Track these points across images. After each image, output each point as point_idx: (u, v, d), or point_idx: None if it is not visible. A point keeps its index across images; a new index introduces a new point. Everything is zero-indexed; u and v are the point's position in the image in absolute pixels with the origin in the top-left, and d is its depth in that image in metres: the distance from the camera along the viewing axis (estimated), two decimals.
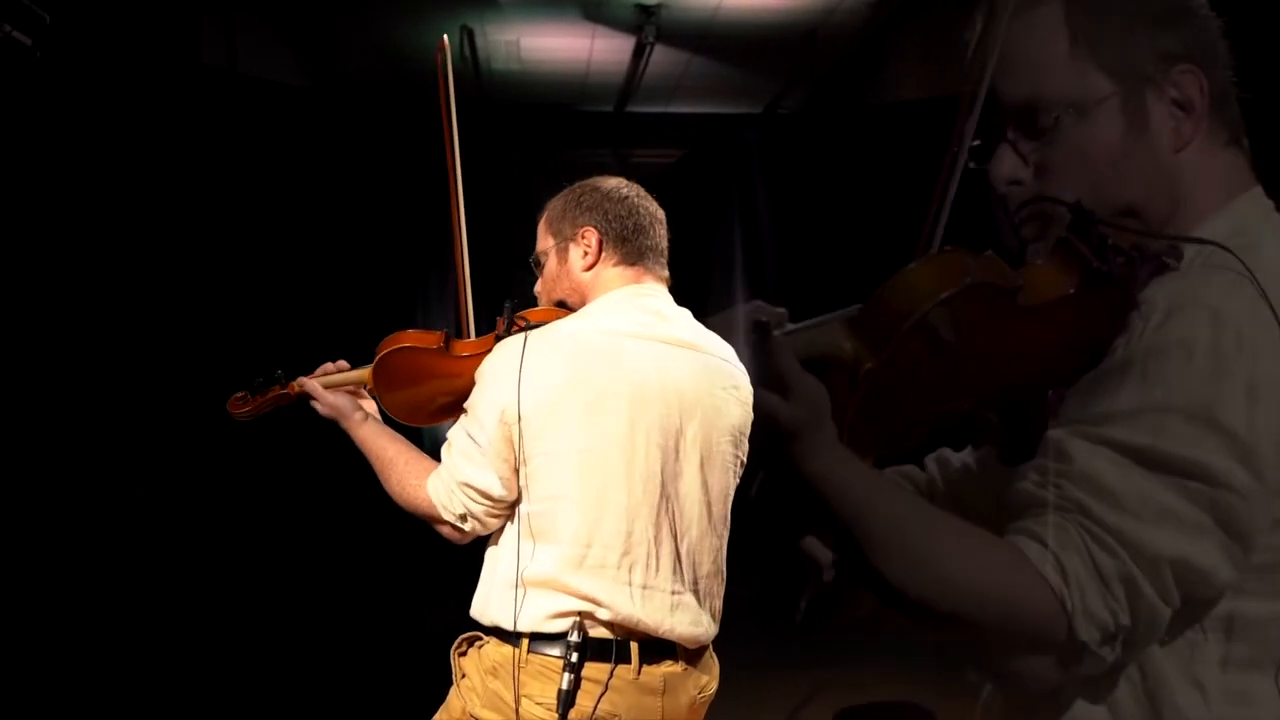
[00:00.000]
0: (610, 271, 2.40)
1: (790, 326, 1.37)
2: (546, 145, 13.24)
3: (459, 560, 2.38)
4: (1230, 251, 1.47)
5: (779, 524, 1.74)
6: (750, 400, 2.39)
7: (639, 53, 8.82)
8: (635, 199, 2.45)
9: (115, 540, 3.98)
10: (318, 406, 2.54)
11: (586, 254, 2.40)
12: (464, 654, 2.34)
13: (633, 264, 2.40)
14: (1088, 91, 1.47)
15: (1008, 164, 1.56)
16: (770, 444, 1.28)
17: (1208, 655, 1.52)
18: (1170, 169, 1.54)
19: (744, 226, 8.24)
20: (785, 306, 1.61)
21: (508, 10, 8.23)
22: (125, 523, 3.97)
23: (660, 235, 2.45)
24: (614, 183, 2.48)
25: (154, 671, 3.74)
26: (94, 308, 4.07)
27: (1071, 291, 1.45)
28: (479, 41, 8.81)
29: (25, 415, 3.32)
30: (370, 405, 2.58)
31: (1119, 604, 1.37)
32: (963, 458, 1.82)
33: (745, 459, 2.39)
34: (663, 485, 2.24)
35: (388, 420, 2.57)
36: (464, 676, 2.32)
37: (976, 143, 1.57)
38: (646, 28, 8.25)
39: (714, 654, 2.42)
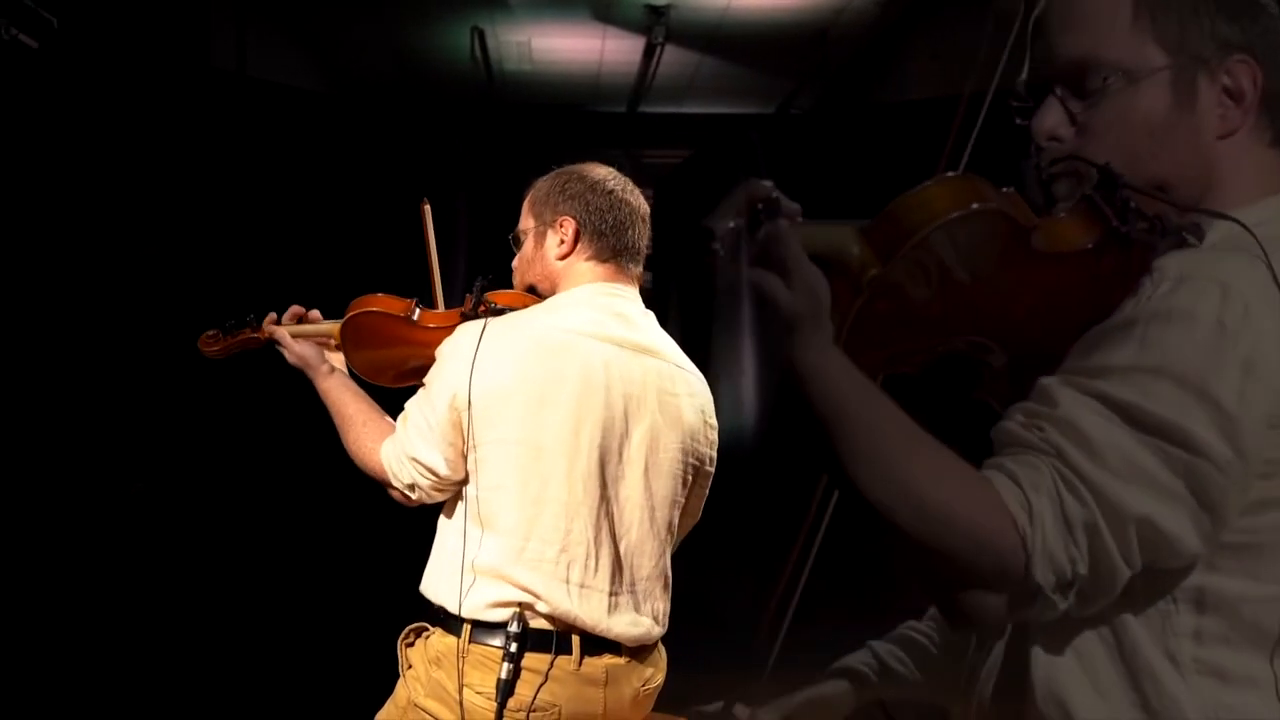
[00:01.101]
0: (583, 265, 2.39)
1: (800, 221, 1.36)
2: (560, 146, 13.28)
3: (411, 556, 2.37)
4: (1251, 233, 1.47)
5: None
6: (707, 407, 2.45)
7: (649, 53, 8.81)
8: (620, 193, 2.44)
9: (110, 537, 3.99)
10: (285, 353, 2.55)
11: (562, 243, 2.40)
12: (411, 645, 2.36)
13: (606, 261, 2.40)
14: (1142, 61, 1.47)
15: (1051, 118, 1.57)
16: (765, 330, 1.27)
17: (1179, 627, 1.52)
18: (1209, 154, 1.55)
19: (748, 224, 8.21)
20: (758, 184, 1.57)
21: (518, 11, 8.23)
22: (120, 519, 3.98)
23: (640, 233, 2.45)
24: (602, 173, 2.48)
25: (149, 666, 3.75)
26: (97, 308, 4.08)
27: (1089, 246, 1.45)
28: (490, 42, 8.82)
29: (21, 412, 3.32)
30: (338, 359, 2.59)
31: (1079, 552, 1.38)
32: None
33: (703, 464, 2.43)
34: (604, 486, 2.26)
35: (354, 377, 2.58)
36: (410, 667, 2.34)
37: (1018, 104, 1.57)
38: (656, 28, 8.24)
39: (661, 647, 2.45)
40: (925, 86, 6.85)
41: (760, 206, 1.16)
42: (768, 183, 1.25)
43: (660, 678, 2.43)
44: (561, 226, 2.39)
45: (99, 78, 4.35)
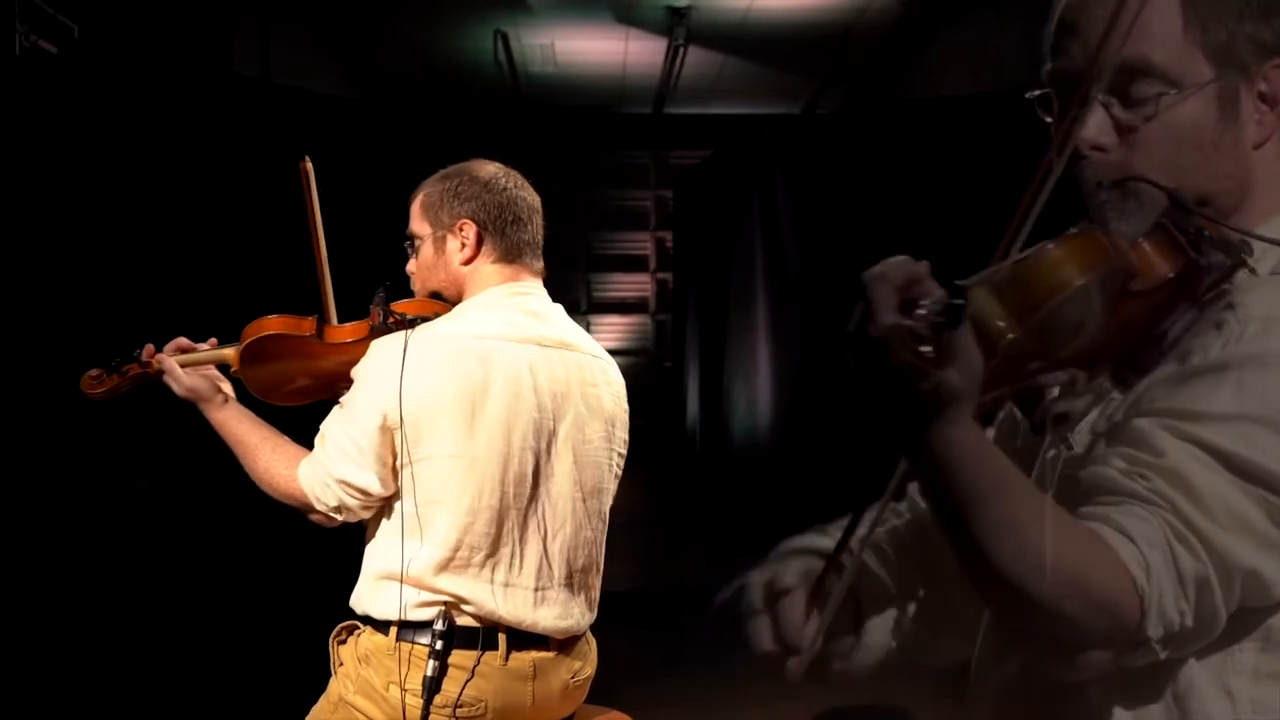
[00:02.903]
0: (488, 268, 2.38)
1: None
2: (587, 148, 13.30)
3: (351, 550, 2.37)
4: None
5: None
6: (622, 393, 2.49)
7: (672, 54, 8.81)
8: (514, 189, 2.43)
9: (115, 532, 4.01)
10: (173, 386, 2.49)
11: (465, 247, 2.38)
12: (343, 642, 2.37)
13: (511, 260, 2.39)
14: (1191, 73, 1.44)
15: (1096, 124, 1.52)
16: (920, 410, 1.21)
17: (1241, 665, 1.49)
18: (1246, 163, 1.51)
19: (765, 225, 8.22)
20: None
21: (540, 14, 8.24)
22: (126, 515, 3.99)
23: (537, 226, 2.44)
24: (492, 170, 2.45)
25: (150, 661, 3.77)
26: (106, 308, 4.10)
27: (1170, 277, 1.44)
28: (513, 45, 8.84)
29: (27, 407, 3.34)
30: (229, 387, 2.55)
31: (1189, 606, 1.35)
32: None
33: (623, 450, 2.47)
34: (534, 486, 2.28)
35: (246, 398, 2.54)
36: (341, 664, 2.36)
37: (1034, 94, 1.54)
38: (677, 29, 8.23)
39: (590, 637, 2.48)
40: (947, 85, 6.82)
41: (960, 301, 1.11)
42: (918, 265, 1.17)
43: (590, 670, 2.45)
44: (461, 230, 2.37)
45: (120, 84, 4.38)
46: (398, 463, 2.23)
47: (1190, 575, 1.37)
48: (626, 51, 9.10)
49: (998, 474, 1.37)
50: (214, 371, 2.53)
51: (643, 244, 16.36)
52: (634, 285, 16.54)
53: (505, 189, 2.41)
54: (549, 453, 2.30)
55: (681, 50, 8.63)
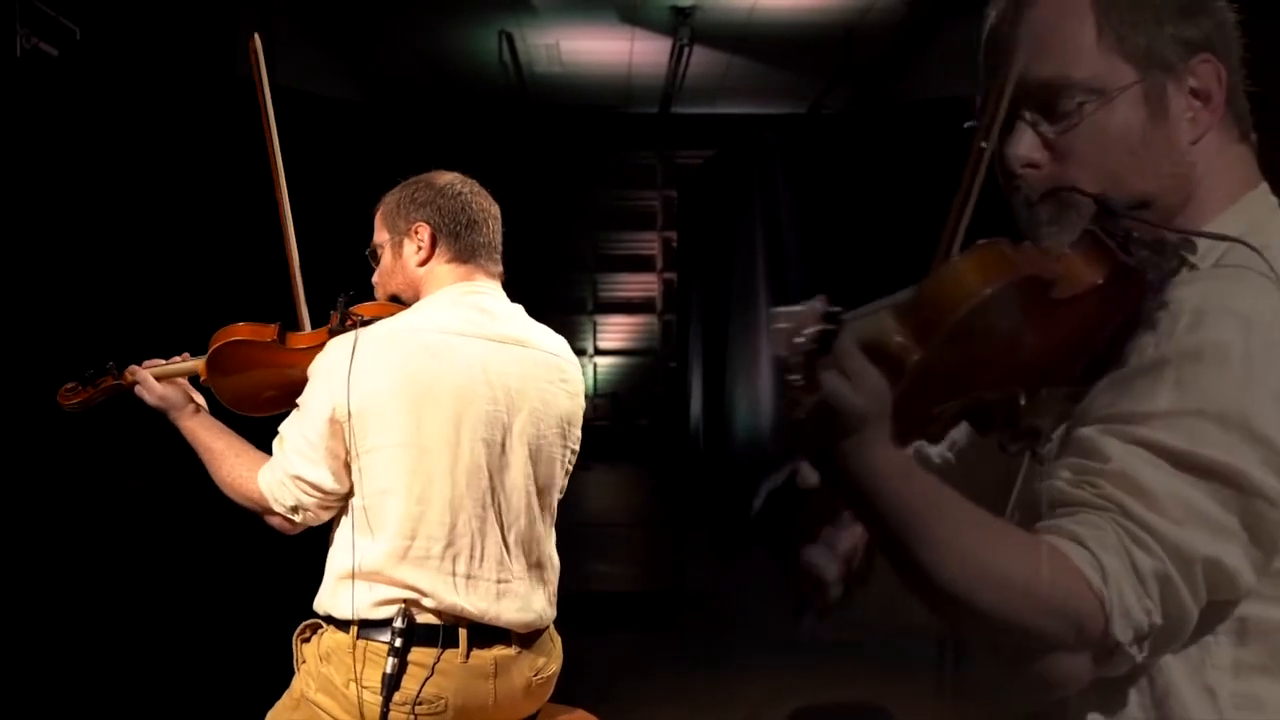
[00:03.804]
0: (443, 268, 2.42)
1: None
2: (593, 148, 13.33)
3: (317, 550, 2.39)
4: (1259, 253, 1.45)
5: (782, 539, 1.71)
6: (580, 391, 2.51)
7: (677, 54, 8.83)
8: (469, 195, 2.46)
9: (109, 534, 4.02)
10: (145, 396, 2.53)
11: (420, 249, 2.41)
12: (306, 640, 2.39)
13: (465, 261, 2.42)
14: (1112, 78, 1.43)
15: (1025, 144, 1.52)
16: (826, 436, 1.24)
17: (1219, 660, 1.49)
18: (1185, 161, 1.51)
19: (766, 225, 8.24)
20: (807, 303, 1.58)
21: (544, 14, 8.25)
22: (121, 517, 4.00)
23: (493, 231, 2.48)
24: (448, 178, 2.48)
25: (145, 662, 3.77)
26: (104, 310, 4.11)
27: (1100, 283, 1.43)
28: (518, 46, 8.85)
29: (21, 410, 3.35)
30: (201, 399, 2.58)
31: (1153, 603, 1.35)
32: (940, 451, 1.80)
33: (576, 448, 2.50)
34: (489, 478, 2.31)
35: (219, 410, 2.57)
36: (304, 662, 2.38)
37: (971, 124, 1.54)
38: (682, 29, 8.24)
39: (554, 635, 2.46)
40: (954, 84, 6.82)
41: (828, 326, 1.14)
42: (820, 297, 1.21)
43: (554, 667, 2.45)
44: (417, 233, 2.40)
45: (122, 87, 4.38)
46: (349, 456, 2.26)
47: (1149, 572, 1.37)
48: (632, 51, 9.11)
49: (926, 493, 1.37)
50: (185, 383, 2.56)
51: (649, 244, 16.39)
52: (641, 285, 16.57)
53: (460, 194, 2.44)
54: (503, 446, 2.33)
55: (686, 50, 8.65)
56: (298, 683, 2.33)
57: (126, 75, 4.53)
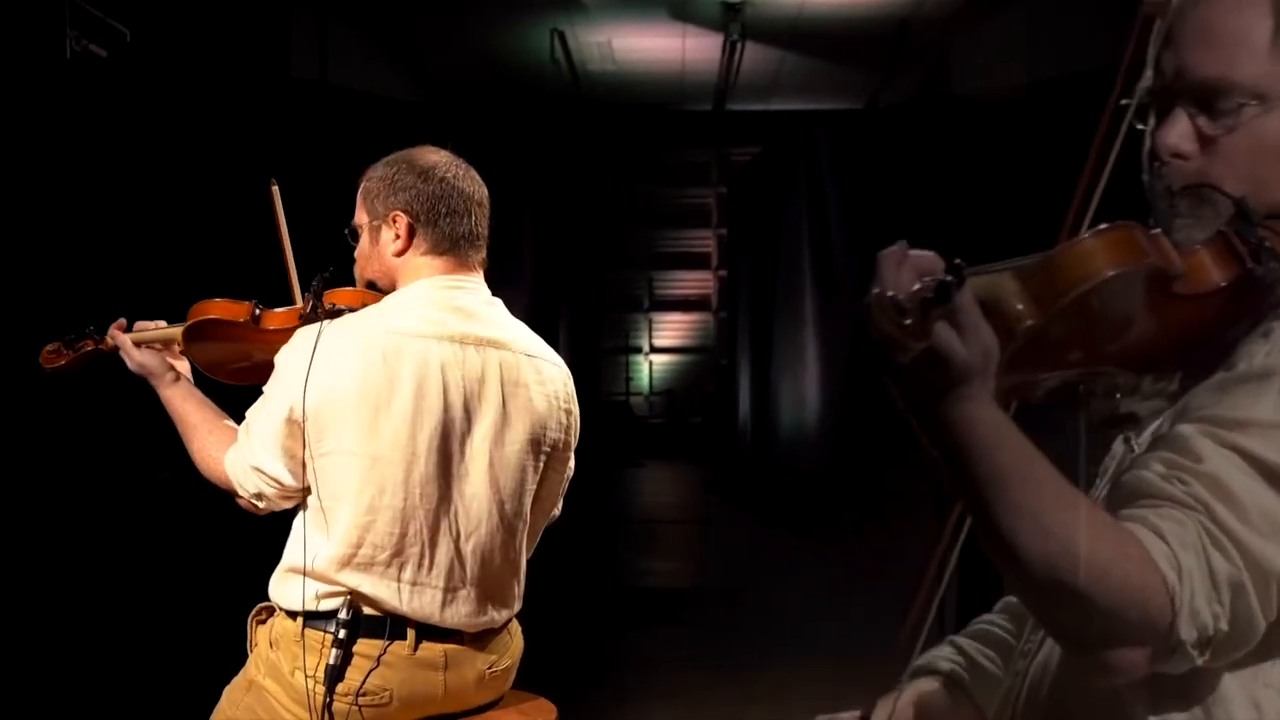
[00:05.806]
0: (420, 260, 2.30)
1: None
2: (647, 145, 13.32)
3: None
4: None
5: None
6: (559, 393, 2.39)
7: (729, 50, 8.80)
8: (452, 179, 2.32)
9: (139, 524, 4.05)
10: (127, 361, 2.51)
11: (397, 238, 2.29)
12: (262, 622, 2.37)
13: (444, 253, 2.30)
14: (1277, 87, 1.41)
15: (1178, 132, 1.48)
16: (929, 385, 1.22)
17: (1272, 679, 1.46)
18: None
19: (812, 221, 8.19)
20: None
21: (595, 12, 8.25)
22: (149, 507, 4.03)
23: (478, 219, 2.34)
24: (432, 159, 2.34)
25: (166, 653, 3.80)
26: (136, 304, 4.16)
27: (1222, 285, 1.41)
28: (571, 44, 8.87)
29: (51, 400, 3.39)
30: (183, 366, 2.56)
31: (1223, 609, 1.32)
32: None
33: (556, 449, 2.39)
34: (445, 487, 2.24)
35: (201, 379, 2.56)
36: (256, 645, 2.37)
37: (1127, 101, 1.53)
38: (732, 25, 8.21)
39: (515, 630, 2.41)
40: (1007, 76, 6.73)
41: (951, 278, 1.13)
42: (930, 253, 1.20)
43: (508, 661, 2.39)
44: (394, 222, 2.28)
45: (173, 89, 4.41)
46: (306, 456, 2.23)
47: (1224, 578, 1.34)
48: (684, 48, 9.09)
49: (1020, 457, 1.35)
50: (169, 351, 2.54)
51: (705, 241, 16.38)
52: (696, 282, 16.56)
53: (443, 179, 2.31)
54: (462, 454, 2.25)
55: (739, 46, 8.62)
56: (250, 665, 2.31)
57: (177, 77, 4.57)
